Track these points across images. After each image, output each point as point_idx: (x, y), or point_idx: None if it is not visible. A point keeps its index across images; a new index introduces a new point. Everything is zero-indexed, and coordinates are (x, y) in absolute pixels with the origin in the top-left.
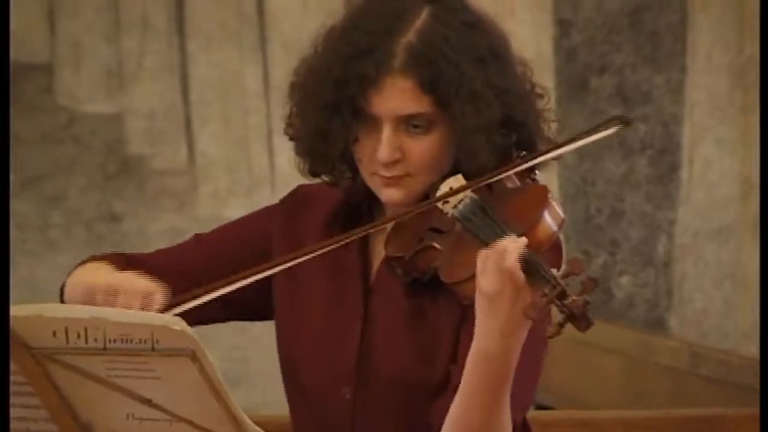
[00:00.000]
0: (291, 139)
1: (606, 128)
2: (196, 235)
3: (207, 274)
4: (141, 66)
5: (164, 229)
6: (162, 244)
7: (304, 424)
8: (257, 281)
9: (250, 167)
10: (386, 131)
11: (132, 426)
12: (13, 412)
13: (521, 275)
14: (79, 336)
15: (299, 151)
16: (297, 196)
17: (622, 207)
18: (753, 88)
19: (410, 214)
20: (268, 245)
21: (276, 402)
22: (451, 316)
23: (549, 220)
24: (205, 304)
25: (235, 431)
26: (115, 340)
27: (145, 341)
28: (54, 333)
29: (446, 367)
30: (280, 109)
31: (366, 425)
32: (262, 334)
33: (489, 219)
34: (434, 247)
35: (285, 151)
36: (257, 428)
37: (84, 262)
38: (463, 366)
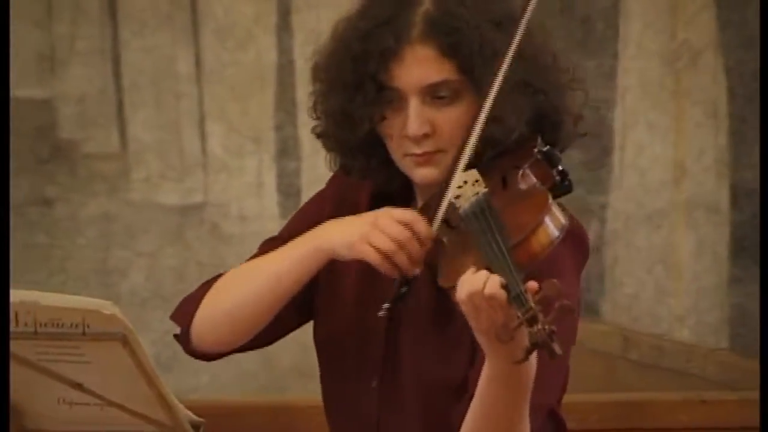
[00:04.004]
0: (318, 136)
1: None
2: (266, 241)
3: None
4: (72, 51)
5: (96, 214)
6: (94, 228)
7: (335, 410)
8: (313, 277)
9: (182, 152)
10: (413, 104)
11: (63, 410)
12: None
13: (504, 301)
14: None
15: (327, 145)
16: (342, 177)
17: None
18: (685, 73)
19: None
20: None
21: (207, 386)
22: None
23: (549, 227)
24: (281, 317)
25: (165, 415)
26: (45, 324)
27: (76, 325)
28: None
29: (466, 368)
30: (213, 93)
31: (390, 417)
32: None
33: (490, 223)
34: (442, 242)
35: (217, 136)
36: (188, 412)
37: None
38: (479, 371)
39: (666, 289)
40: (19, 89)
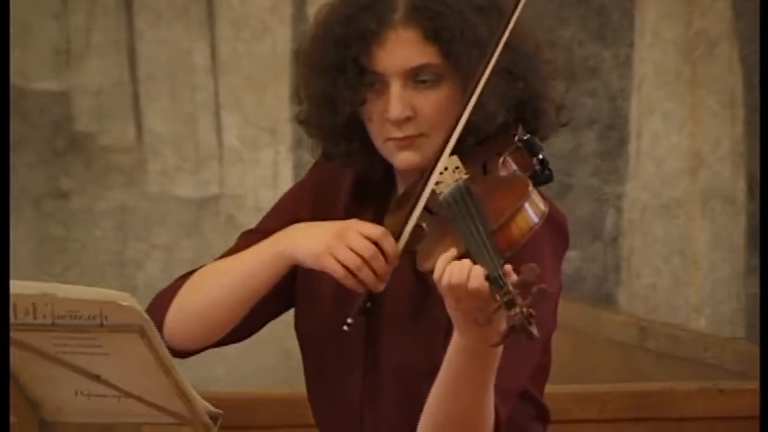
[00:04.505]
0: (300, 122)
1: None
2: (243, 233)
3: None
4: (89, 43)
5: (112, 207)
6: (110, 221)
7: (318, 401)
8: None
9: (197, 144)
10: (395, 87)
11: (80, 402)
12: None
13: (487, 293)
14: (27, 312)
15: (309, 131)
16: (321, 168)
17: (569, 182)
18: (701, 63)
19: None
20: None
21: (223, 378)
22: None
23: (528, 213)
24: (258, 310)
25: (183, 407)
26: (63, 316)
27: (93, 317)
28: None
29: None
30: (228, 84)
31: (373, 407)
32: None
33: (470, 209)
34: (421, 227)
35: (233, 127)
36: (206, 403)
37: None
38: None
39: (683, 279)
40: (35, 82)
